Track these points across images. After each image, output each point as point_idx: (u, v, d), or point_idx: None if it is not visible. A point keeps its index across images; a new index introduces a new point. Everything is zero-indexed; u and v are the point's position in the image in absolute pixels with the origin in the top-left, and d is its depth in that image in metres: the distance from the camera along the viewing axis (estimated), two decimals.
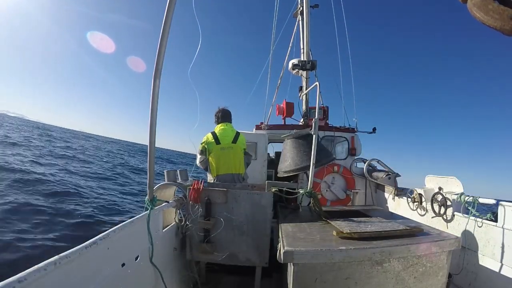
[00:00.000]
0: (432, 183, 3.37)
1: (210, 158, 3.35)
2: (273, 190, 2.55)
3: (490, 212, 2.48)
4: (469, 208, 2.64)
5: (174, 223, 2.47)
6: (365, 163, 4.81)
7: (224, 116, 3.52)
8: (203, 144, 3.34)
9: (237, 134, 3.41)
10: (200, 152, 3.35)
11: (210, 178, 3.48)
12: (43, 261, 0.99)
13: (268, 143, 5.20)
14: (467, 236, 2.58)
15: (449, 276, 1.84)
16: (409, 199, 3.52)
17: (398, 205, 4.01)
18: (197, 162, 3.41)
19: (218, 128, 3.42)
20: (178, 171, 2.77)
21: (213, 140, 3.30)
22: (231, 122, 3.56)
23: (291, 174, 3.45)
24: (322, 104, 5.63)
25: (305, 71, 5.06)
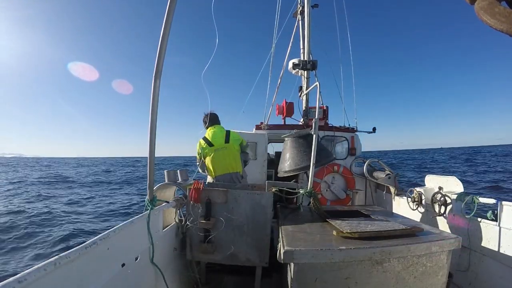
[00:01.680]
0: (432, 182, 3.37)
1: (206, 161, 3.41)
2: (273, 190, 2.55)
3: (490, 212, 2.48)
4: (469, 207, 2.64)
5: (174, 223, 2.47)
6: (365, 163, 4.81)
7: (212, 120, 3.58)
8: (198, 150, 3.47)
9: (228, 132, 3.45)
10: (198, 159, 3.49)
11: (209, 179, 3.55)
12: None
13: (268, 143, 5.20)
14: (467, 235, 2.58)
15: (449, 275, 1.84)
16: (409, 199, 3.52)
17: (398, 205, 4.01)
18: (199, 168, 3.56)
19: (208, 132, 3.50)
20: (178, 171, 2.77)
21: (206, 144, 3.39)
22: (219, 124, 3.62)
23: (291, 174, 3.45)
24: (322, 104, 5.63)
25: (305, 71, 5.05)
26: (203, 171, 3.54)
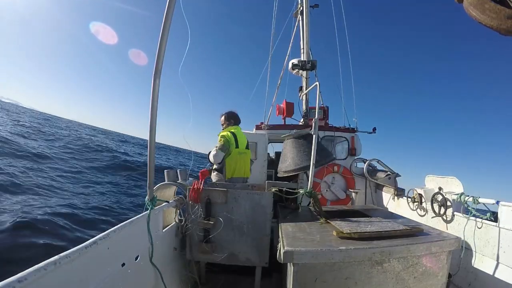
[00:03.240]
0: (432, 183, 3.37)
1: (227, 159, 3.34)
2: (273, 190, 2.55)
3: (490, 212, 2.48)
4: (469, 208, 2.64)
5: (174, 223, 2.47)
6: (365, 163, 4.81)
7: (237, 119, 3.62)
8: (224, 141, 3.27)
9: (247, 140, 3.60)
10: (222, 147, 3.22)
11: (217, 178, 3.43)
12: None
13: (268, 143, 5.20)
14: (467, 236, 2.58)
15: (449, 276, 1.84)
16: (409, 199, 3.52)
17: (398, 205, 4.01)
18: (214, 157, 3.21)
19: (235, 130, 3.46)
20: (178, 171, 2.77)
21: (234, 142, 3.37)
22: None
23: (291, 174, 3.45)
24: (322, 104, 5.64)
25: (305, 71, 5.06)
26: (217, 162, 3.27)
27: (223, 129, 3.57)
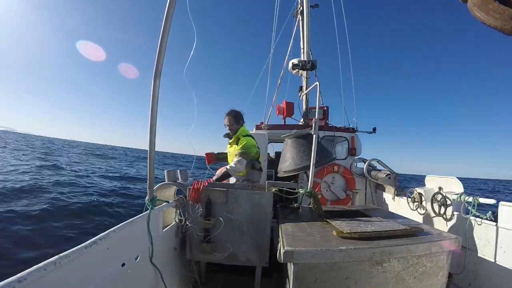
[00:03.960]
0: (432, 183, 3.37)
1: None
2: (273, 190, 2.55)
3: (490, 212, 2.48)
4: (469, 208, 2.64)
5: (174, 223, 2.47)
6: (365, 163, 4.81)
7: (243, 120, 3.48)
8: (252, 147, 3.22)
9: None
10: (249, 157, 3.17)
11: (233, 179, 3.41)
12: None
13: (268, 143, 5.20)
14: (467, 236, 2.58)
15: (449, 276, 1.84)
16: (409, 199, 3.52)
17: (398, 205, 4.01)
18: (239, 165, 3.12)
19: (249, 133, 3.38)
20: (178, 171, 2.77)
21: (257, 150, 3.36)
22: None
23: (291, 174, 3.45)
24: (322, 104, 5.64)
25: (305, 71, 5.06)
26: (239, 171, 3.20)
27: (235, 132, 3.36)
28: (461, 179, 2.89)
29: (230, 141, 3.46)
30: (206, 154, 3.50)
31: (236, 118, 3.37)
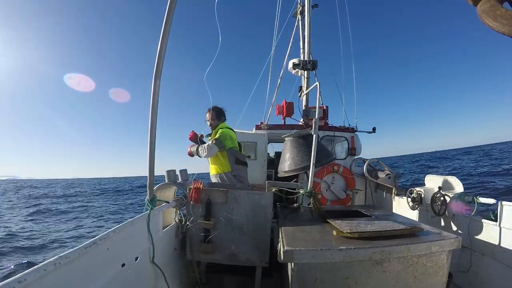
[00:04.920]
0: (432, 182, 3.37)
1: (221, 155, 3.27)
2: (273, 190, 2.55)
3: (490, 212, 2.48)
4: (468, 207, 2.64)
5: (174, 223, 2.47)
6: (365, 163, 4.81)
7: (225, 117, 3.50)
8: (228, 138, 3.22)
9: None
10: (221, 145, 3.16)
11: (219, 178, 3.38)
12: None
13: (268, 143, 5.20)
14: (467, 236, 2.58)
15: (449, 276, 1.84)
16: (409, 199, 3.52)
17: (398, 205, 4.01)
18: (208, 150, 3.13)
19: (230, 129, 3.38)
20: (178, 171, 2.77)
21: (235, 142, 3.35)
22: None
23: (291, 174, 3.45)
24: (322, 104, 5.63)
25: (305, 71, 5.06)
26: (207, 156, 3.20)
27: (214, 127, 3.38)
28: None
29: (210, 137, 3.42)
30: (193, 131, 3.42)
31: (218, 114, 3.40)
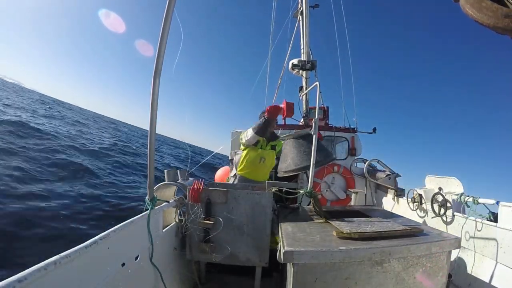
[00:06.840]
0: (432, 183, 3.37)
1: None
2: (273, 190, 2.55)
3: (490, 213, 2.48)
4: (469, 208, 2.64)
5: (174, 223, 2.47)
6: (365, 163, 4.81)
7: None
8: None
9: None
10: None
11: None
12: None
13: None
14: (467, 236, 2.58)
15: (449, 276, 1.84)
16: (409, 199, 3.52)
17: (398, 205, 4.01)
18: (251, 138, 3.27)
19: None
20: (178, 171, 2.77)
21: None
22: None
23: (291, 174, 3.45)
24: (322, 104, 5.64)
25: (305, 71, 5.06)
26: (249, 143, 3.37)
27: (273, 136, 3.60)
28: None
29: (261, 142, 3.49)
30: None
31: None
